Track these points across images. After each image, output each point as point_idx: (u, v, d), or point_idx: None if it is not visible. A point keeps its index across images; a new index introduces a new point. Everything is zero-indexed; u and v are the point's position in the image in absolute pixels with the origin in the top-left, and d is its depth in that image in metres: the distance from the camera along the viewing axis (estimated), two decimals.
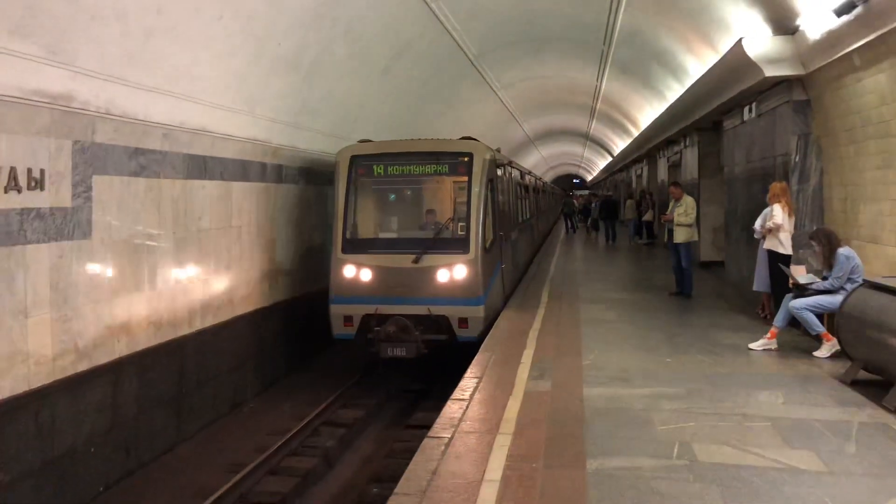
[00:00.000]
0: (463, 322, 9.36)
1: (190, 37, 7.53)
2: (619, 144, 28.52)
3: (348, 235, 9.95)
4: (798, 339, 8.03)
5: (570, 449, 4.99)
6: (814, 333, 7.56)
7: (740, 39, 9.06)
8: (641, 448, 4.98)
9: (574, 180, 68.15)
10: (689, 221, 11.55)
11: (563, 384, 6.63)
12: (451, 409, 5.99)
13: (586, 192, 49.54)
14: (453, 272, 9.39)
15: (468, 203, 9.74)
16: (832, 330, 7.24)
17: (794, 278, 7.89)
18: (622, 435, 5.26)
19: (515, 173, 14.66)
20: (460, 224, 9.93)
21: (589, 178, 60.80)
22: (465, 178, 9.90)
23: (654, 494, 4.23)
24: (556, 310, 10.72)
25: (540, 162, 46.67)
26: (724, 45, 10.05)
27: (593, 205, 31.79)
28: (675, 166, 19.70)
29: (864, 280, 6.90)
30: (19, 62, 5.66)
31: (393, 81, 13.39)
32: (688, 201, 11.69)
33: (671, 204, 12.02)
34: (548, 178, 53.30)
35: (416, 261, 9.44)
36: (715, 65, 10.61)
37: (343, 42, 10.63)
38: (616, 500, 4.17)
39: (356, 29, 10.60)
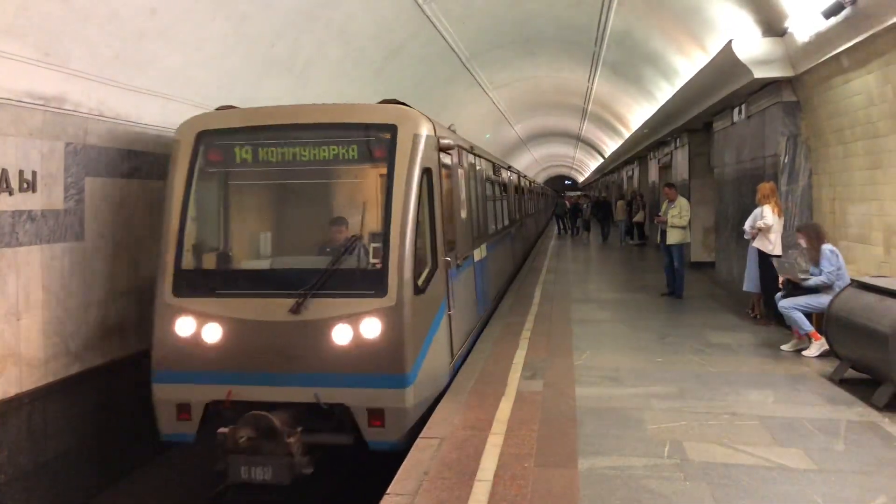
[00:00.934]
0: (376, 416, 5.56)
1: (182, 38, 7.53)
2: (611, 146, 28.62)
3: (184, 265, 6.05)
4: (787, 339, 8.08)
5: (562, 448, 5.02)
6: (803, 333, 7.63)
7: (730, 41, 9.13)
8: (633, 447, 5.02)
9: (566, 181, 68.30)
10: (683, 223, 11.56)
11: (555, 384, 6.66)
12: (445, 408, 6.01)
13: (578, 193, 49.79)
14: (359, 330, 5.59)
15: (387, 210, 5.87)
16: (821, 329, 7.31)
17: (791, 276, 7.76)
18: (614, 434, 5.30)
19: (482, 165, 10.42)
20: (373, 247, 6.04)
21: (580, 179, 60.95)
22: (384, 168, 6.07)
23: (645, 493, 4.26)
24: (548, 310, 10.76)
25: (532, 163, 46.77)
26: (715, 47, 10.12)
27: (584, 206, 32.01)
28: (665, 167, 19.81)
29: (851, 280, 6.97)
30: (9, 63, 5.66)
31: (386, 83, 13.40)
32: (682, 203, 11.70)
33: (664, 205, 12.03)
34: (540, 179, 53.38)
35: (295, 310, 5.63)
36: (705, 66, 10.69)
37: (336, 43, 10.64)
38: (607, 499, 4.20)
39: (350, 30, 10.61)
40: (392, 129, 6.07)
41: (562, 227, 33.50)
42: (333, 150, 6.14)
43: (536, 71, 18.03)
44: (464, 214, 8.16)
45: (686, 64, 12.24)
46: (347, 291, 5.74)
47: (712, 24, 10.13)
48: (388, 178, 5.96)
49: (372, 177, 6.64)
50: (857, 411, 5.69)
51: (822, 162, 8.93)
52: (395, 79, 13.66)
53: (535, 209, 26.68)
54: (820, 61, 7.95)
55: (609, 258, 20.25)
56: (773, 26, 8.73)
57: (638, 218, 23.53)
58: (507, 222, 13.68)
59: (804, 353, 7.60)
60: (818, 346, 7.47)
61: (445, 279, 6.55)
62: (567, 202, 36.05)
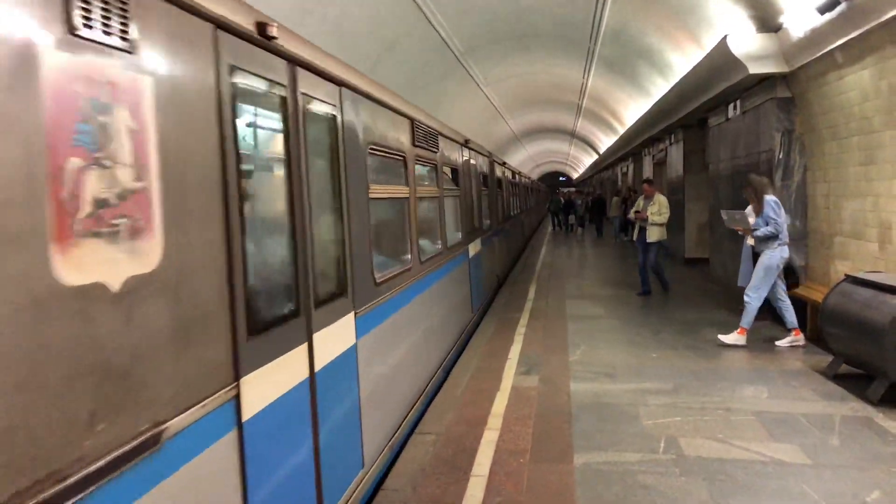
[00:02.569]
0: None
1: None
2: (605, 142, 28.63)
3: None
4: (780, 335, 8.09)
5: (558, 444, 5.02)
6: (791, 327, 7.87)
7: (725, 37, 9.13)
8: (628, 442, 5.02)
9: (560, 178, 68.36)
10: (662, 220, 11.44)
11: (550, 380, 6.66)
12: (440, 404, 6.00)
13: (572, 189, 49.81)
14: None
15: None
16: (810, 323, 7.37)
17: (741, 227, 8.11)
18: (609, 430, 5.29)
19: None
20: None
21: (575, 175, 60.99)
22: None
23: (640, 488, 4.26)
24: (543, 306, 10.76)
25: (527, 159, 46.76)
26: (710, 43, 10.12)
27: (578, 202, 32.07)
28: (660, 164, 19.81)
29: (846, 275, 6.98)
30: None
31: (380, 78, 13.35)
32: (661, 200, 11.55)
33: (640, 201, 11.91)
34: (534, 175, 53.43)
35: None
36: (700, 62, 10.68)
37: (331, 38, 10.59)
38: (603, 494, 4.20)
39: (344, 25, 10.56)
40: None
41: (556, 223, 33.88)
42: None
43: (531, 67, 18.00)
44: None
45: (681, 60, 12.24)
46: None
47: (707, 20, 10.12)
48: None
49: None
50: (852, 406, 5.70)
51: (816, 158, 8.94)
52: (390, 74, 13.62)
53: (522, 207, 23.07)
54: (814, 57, 7.95)
55: (603, 254, 20.26)
56: (767, 22, 8.73)
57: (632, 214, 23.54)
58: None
59: (777, 342, 7.87)
60: (792, 339, 7.81)
61: None
62: (561, 198, 36.15)
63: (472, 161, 10.37)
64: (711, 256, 13.51)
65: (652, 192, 11.70)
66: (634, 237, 11.96)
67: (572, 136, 34.58)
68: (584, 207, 30.92)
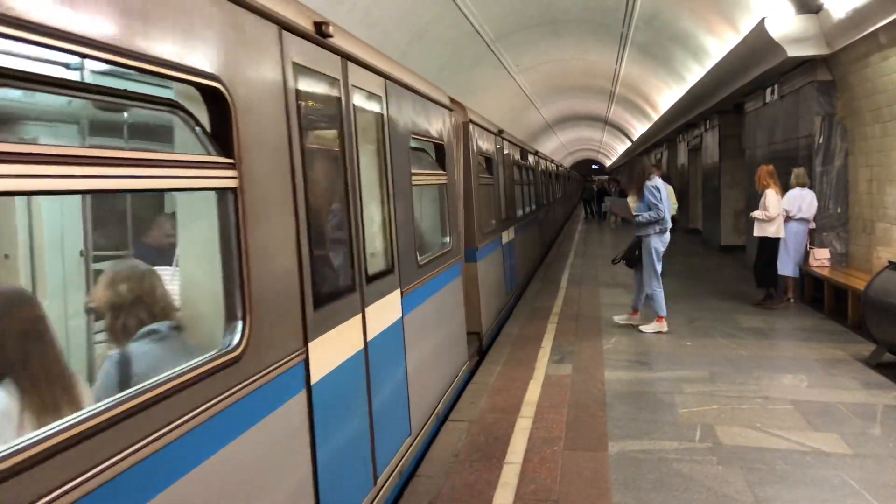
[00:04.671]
0: None
1: None
2: (639, 129, 28.26)
3: None
4: (821, 323, 7.94)
5: (592, 431, 4.99)
6: (659, 315, 8.01)
7: (763, 19, 8.92)
8: (664, 431, 4.97)
9: (593, 165, 67.74)
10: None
11: (583, 368, 6.62)
12: (472, 392, 6.01)
13: (605, 177, 49.28)
14: None
15: None
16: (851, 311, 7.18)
17: (623, 213, 8.27)
18: (644, 418, 5.25)
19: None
20: None
21: (608, 163, 60.35)
22: None
23: (677, 477, 4.22)
24: (576, 293, 10.70)
25: (559, 147, 46.41)
26: (746, 26, 9.89)
27: (612, 190, 31.73)
28: (695, 150, 19.52)
29: (889, 262, 6.81)
30: None
31: (410, 66, 13.34)
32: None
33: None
34: (567, 163, 53.01)
35: None
36: (736, 46, 10.46)
37: (361, 27, 10.59)
38: (639, 482, 4.17)
39: (374, 14, 10.56)
40: None
41: (589, 211, 33.54)
42: None
43: (563, 53, 17.81)
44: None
45: (716, 44, 12.00)
46: None
47: (743, 3, 9.90)
48: None
49: None
50: (895, 396, 5.57)
51: (858, 142, 8.71)
52: (420, 62, 13.59)
53: (549, 198, 20.03)
54: (857, 38, 7.73)
55: None
56: (807, 3, 8.51)
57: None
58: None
59: (641, 327, 8.03)
60: (659, 326, 7.95)
61: None
62: (594, 186, 35.85)
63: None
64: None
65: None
66: None
67: (605, 123, 34.21)
68: (618, 195, 30.60)
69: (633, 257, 8.13)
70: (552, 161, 21.90)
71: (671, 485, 4.12)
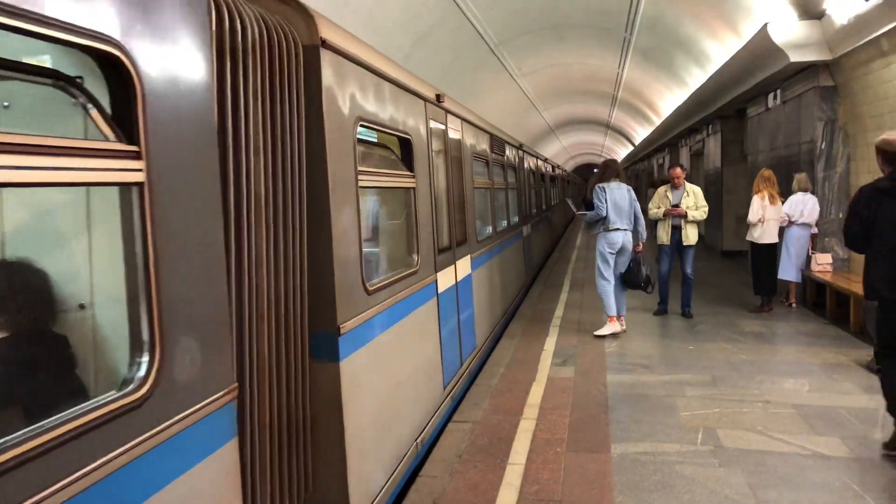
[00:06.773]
0: None
1: None
2: (641, 133, 28.29)
3: None
4: (823, 328, 7.95)
5: (595, 434, 5.01)
6: (610, 314, 8.16)
7: (765, 24, 8.95)
8: (666, 433, 5.00)
9: (594, 170, 67.83)
10: (701, 216, 8.93)
11: (586, 371, 6.65)
12: (475, 394, 6.03)
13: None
14: None
15: None
16: (853, 316, 7.19)
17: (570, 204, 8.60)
18: (646, 420, 5.27)
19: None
20: None
21: None
22: None
23: (679, 479, 4.24)
24: (578, 297, 10.72)
25: (561, 151, 46.45)
26: (749, 31, 9.93)
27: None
28: (697, 154, 19.54)
29: None
30: None
31: (413, 69, 13.35)
32: (696, 190, 9.00)
33: (665, 191, 9.08)
34: (569, 167, 53.10)
35: None
36: (739, 51, 10.49)
37: (364, 31, 10.63)
38: (641, 484, 4.19)
39: (378, 16, 10.60)
40: None
41: None
42: None
43: (565, 57, 17.85)
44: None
45: (719, 49, 12.03)
46: None
47: (745, 8, 9.93)
48: None
49: None
50: None
51: (860, 148, 8.74)
52: (423, 66, 13.63)
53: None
54: (859, 44, 7.76)
55: None
56: (809, 9, 8.54)
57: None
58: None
59: (595, 332, 8.13)
60: (611, 327, 8.08)
61: None
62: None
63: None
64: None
65: (682, 181, 8.99)
66: (665, 239, 9.08)
67: (607, 127, 34.24)
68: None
69: (630, 274, 8.13)
70: (558, 166, 21.79)
71: (673, 486, 4.14)
